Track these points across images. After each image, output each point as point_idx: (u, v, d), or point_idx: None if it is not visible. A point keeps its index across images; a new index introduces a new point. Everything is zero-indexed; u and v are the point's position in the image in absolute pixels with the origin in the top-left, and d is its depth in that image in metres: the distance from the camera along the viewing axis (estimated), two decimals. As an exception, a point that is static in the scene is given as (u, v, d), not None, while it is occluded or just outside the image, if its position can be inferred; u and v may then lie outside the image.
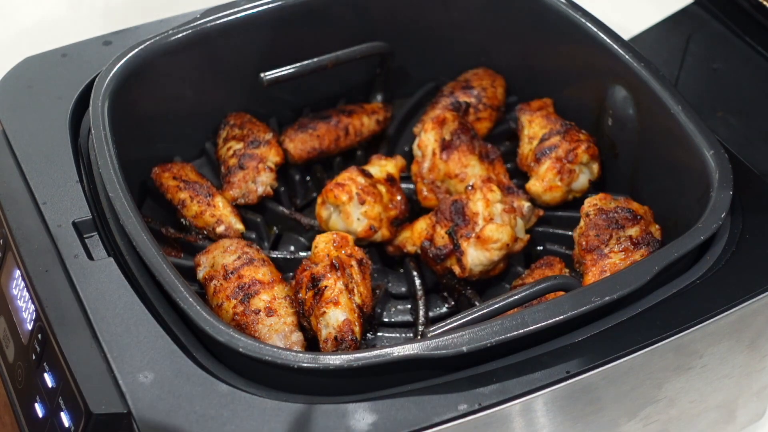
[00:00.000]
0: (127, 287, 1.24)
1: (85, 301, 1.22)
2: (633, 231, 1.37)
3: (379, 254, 1.53)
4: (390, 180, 1.53)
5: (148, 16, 1.67)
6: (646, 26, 1.78)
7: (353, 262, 1.36)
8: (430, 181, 1.54)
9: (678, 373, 1.26)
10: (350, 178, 1.49)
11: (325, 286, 1.31)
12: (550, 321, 1.16)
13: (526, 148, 1.58)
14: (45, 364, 1.23)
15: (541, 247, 1.52)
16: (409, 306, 1.47)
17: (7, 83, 1.53)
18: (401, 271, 1.52)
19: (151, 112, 1.56)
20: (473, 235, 1.41)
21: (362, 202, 1.47)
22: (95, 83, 1.44)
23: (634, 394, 1.24)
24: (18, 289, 1.31)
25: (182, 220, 1.52)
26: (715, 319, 1.23)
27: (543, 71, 1.67)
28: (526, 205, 1.49)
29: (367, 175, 1.50)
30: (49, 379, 1.23)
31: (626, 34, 1.70)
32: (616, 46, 1.49)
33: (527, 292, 1.22)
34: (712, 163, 1.33)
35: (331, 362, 1.13)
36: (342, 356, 1.13)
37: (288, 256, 1.50)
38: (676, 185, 1.43)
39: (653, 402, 1.27)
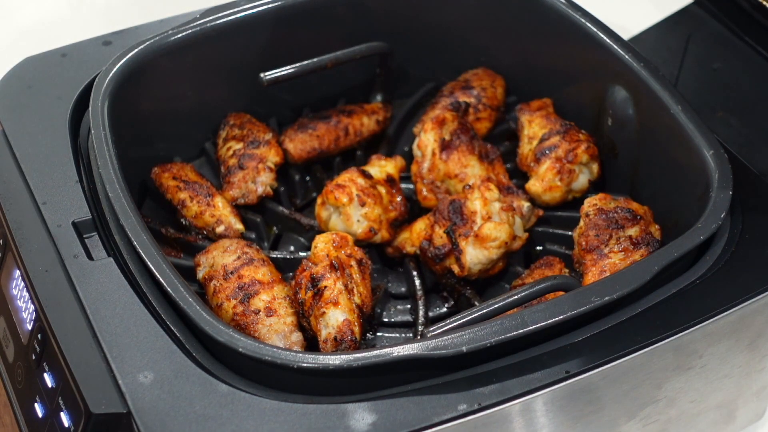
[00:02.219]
0: (126, 287, 1.24)
1: (85, 301, 1.22)
2: (633, 231, 1.37)
3: (379, 254, 1.53)
4: (390, 181, 1.53)
5: (148, 16, 1.67)
6: (646, 26, 1.78)
7: (353, 263, 1.36)
8: (429, 181, 1.54)
9: (678, 373, 1.26)
10: (350, 179, 1.49)
11: (325, 287, 1.31)
12: (550, 321, 1.16)
13: (525, 148, 1.58)
14: (45, 364, 1.23)
15: (541, 247, 1.52)
16: (408, 306, 1.47)
17: (7, 83, 1.53)
18: (401, 271, 1.52)
19: (151, 112, 1.56)
20: (471, 233, 1.41)
21: (362, 204, 1.47)
22: (95, 83, 1.44)
23: (633, 394, 1.24)
24: (18, 289, 1.31)
25: (182, 220, 1.52)
26: (715, 319, 1.23)
27: (543, 71, 1.67)
28: (526, 205, 1.49)
29: (367, 176, 1.50)
30: (48, 379, 1.23)
31: (626, 34, 1.70)
32: (616, 46, 1.49)
33: (527, 292, 1.22)
34: (711, 163, 1.33)
35: (330, 362, 1.13)
36: (342, 356, 1.13)
37: (288, 256, 1.50)
38: (676, 185, 1.43)
39: (653, 402, 1.27)
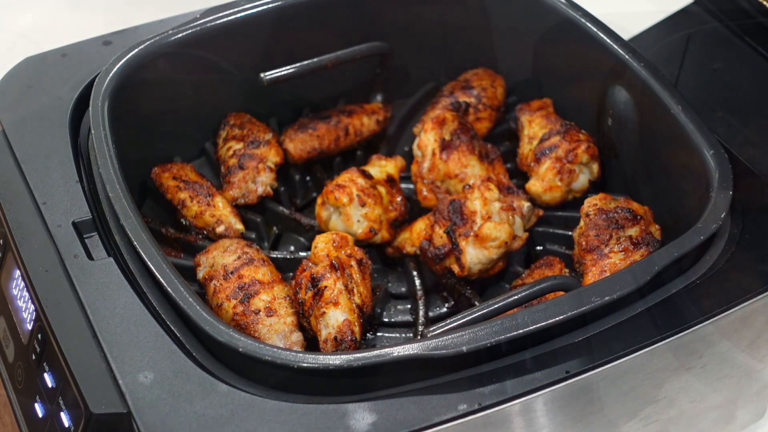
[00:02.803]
0: (127, 287, 1.24)
1: (85, 301, 1.22)
2: (633, 231, 1.37)
3: (379, 254, 1.53)
4: (390, 181, 1.53)
5: (148, 16, 1.67)
6: (646, 26, 1.78)
7: (353, 263, 1.36)
8: (430, 181, 1.54)
9: (678, 373, 1.26)
10: (350, 180, 1.49)
11: (325, 287, 1.31)
12: (550, 321, 1.16)
13: (526, 148, 1.58)
14: (45, 364, 1.23)
15: (541, 247, 1.52)
16: (409, 306, 1.47)
17: (7, 83, 1.53)
18: (401, 271, 1.52)
19: (151, 112, 1.56)
20: (471, 233, 1.41)
21: (362, 204, 1.47)
22: (95, 83, 1.45)
23: (633, 394, 1.24)
24: (18, 289, 1.31)
25: (182, 220, 1.52)
26: (715, 318, 1.23)
27: (543, 71, 1.67)
28: (526, 205, 1.49)
29: (367, 176, 1.50)
30: (49, 379, 1.23)
31: (626, 34, 1.70)
32: (616, 46, 1.49)
33: (527, 292, 1.22)
34: (712, 163, 1.33)
35: (331, 362, 1.13)
36: (342, 356, 1.13)
37: (288, 256, 1.50)
38: (676, 185, 1.43)
39: (653, 402, 1.27)
